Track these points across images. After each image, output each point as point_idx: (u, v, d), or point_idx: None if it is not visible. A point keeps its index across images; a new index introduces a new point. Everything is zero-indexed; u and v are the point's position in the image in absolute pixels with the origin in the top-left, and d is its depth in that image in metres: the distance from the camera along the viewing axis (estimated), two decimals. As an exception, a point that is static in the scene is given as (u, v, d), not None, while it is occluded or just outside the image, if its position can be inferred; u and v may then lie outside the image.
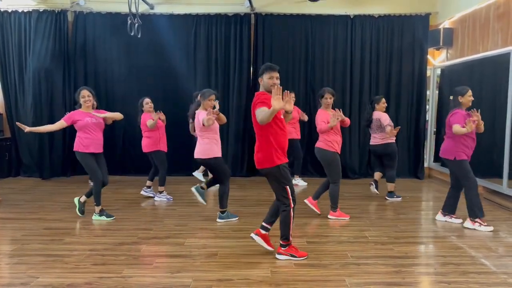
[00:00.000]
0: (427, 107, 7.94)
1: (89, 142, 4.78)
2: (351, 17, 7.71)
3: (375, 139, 6.04)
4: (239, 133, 7.80)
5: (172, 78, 7.70)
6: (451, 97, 4.88)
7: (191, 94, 7.30)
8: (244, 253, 3.88)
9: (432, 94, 7.97)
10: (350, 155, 7.87)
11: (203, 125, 4.63)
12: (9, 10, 7.51)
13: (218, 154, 4.82)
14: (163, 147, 5.93)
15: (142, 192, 6.17)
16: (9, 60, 7.58)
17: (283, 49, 7.76)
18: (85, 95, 4.83)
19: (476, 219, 4.62)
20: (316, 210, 5.19)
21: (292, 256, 3.72)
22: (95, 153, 4.85)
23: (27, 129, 4.68)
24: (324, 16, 7.69)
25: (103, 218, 4.95)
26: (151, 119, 5.69)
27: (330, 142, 4.95)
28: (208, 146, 4.77)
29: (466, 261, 3.70)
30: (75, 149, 4.85)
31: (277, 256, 3.75)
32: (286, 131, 3.71)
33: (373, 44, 7.75)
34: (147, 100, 5.92)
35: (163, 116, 5.87)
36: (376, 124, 5.97)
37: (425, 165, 7.99)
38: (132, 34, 6.43)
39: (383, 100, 6.03)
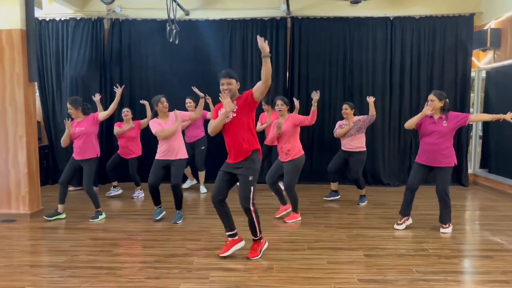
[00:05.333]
0: (472, 110, 7.62)
1: (74, 148, 5.38)
2: (391, 18, 7.47)
3: None
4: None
5: (207, 84, 7.51)
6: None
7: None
8: (300, 267, 3.71)
9: (476, 97, 7.66)
10: (388, 162, 7.61)
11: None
12: (47, 19, 7.56)
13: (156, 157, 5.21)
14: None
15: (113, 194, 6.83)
16: (47, 69, 7.60)
17: (320, 53, 7.56)
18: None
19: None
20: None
21: None
22: (78, 160, 5.34)
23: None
24: (363, 18, 7.47)
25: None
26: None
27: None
28: None
29: (544, 278, 3.44)
30: None
31: None
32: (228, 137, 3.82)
33: (414, 47, 7.48)
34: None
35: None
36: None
37: (470, 171, 7.66)
38: (171, 40, 6.38)
39: (344, 106, 5.96)
